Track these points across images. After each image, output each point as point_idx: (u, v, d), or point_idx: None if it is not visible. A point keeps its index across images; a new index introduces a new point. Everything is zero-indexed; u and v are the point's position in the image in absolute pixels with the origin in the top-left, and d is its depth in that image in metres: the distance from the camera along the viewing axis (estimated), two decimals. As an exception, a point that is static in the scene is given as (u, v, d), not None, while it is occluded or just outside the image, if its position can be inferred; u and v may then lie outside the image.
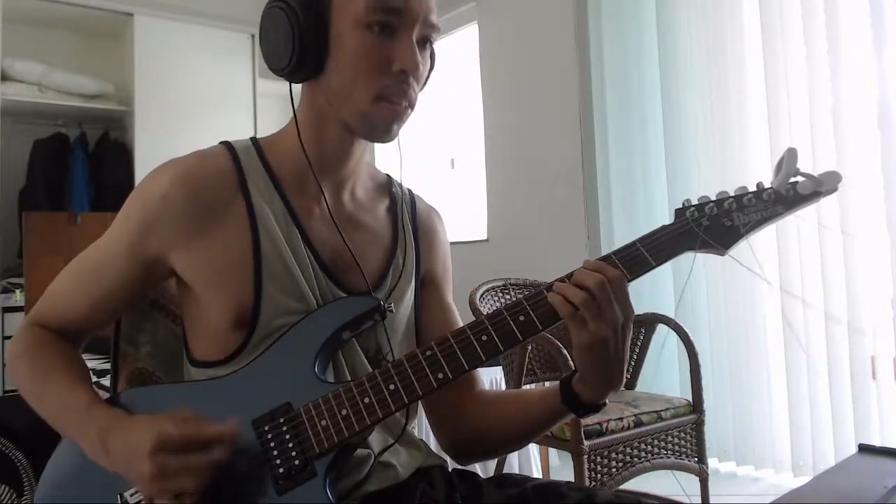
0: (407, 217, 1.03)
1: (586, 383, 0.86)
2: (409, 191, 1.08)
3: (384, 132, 0.88)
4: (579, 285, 0.79)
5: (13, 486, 1.74)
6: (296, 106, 0.94)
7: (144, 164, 3.94)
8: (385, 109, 0.86)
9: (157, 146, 3.94)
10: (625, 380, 0.85)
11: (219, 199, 0.88)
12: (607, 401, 0.89)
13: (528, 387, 2.12)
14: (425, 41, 0.88)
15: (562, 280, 0.82)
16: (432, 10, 0.87)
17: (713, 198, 0.85)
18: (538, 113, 3.59)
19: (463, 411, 1.00)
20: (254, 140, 0.96)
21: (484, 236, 3.89)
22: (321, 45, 0.84)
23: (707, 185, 2.86)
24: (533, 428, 0.97)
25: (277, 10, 0.85)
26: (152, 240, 0.88)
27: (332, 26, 0.84)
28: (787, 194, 0.82)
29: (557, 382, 0.91)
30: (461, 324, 1.01)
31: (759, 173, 2.69)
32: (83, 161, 4.05)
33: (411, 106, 0.88)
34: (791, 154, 0.81)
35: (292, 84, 0.90)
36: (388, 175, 1.07)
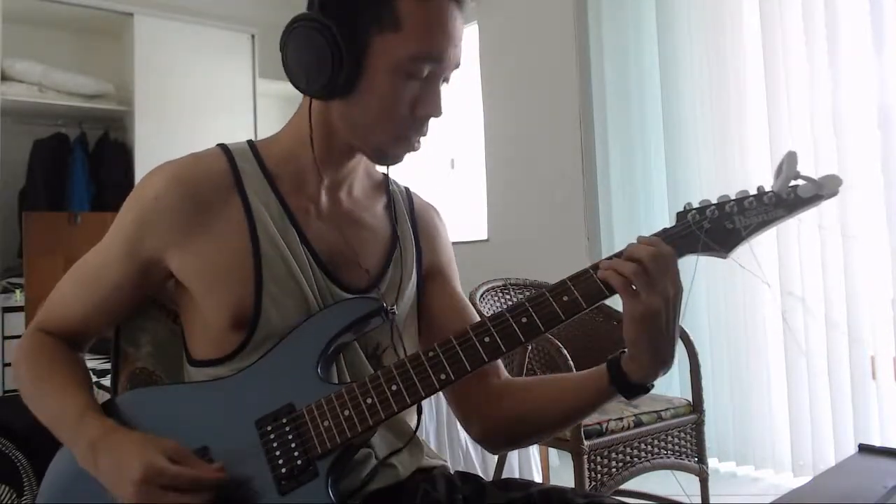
0: (405, 214, 1.03)
1: (637, 361, 0.84)
2: (407, 188, 1.08)
3: (394, 162, 0.92)
4: (631, 258, 0.80)
5: (13, 486, 1.74)
6: (299, 111, 0.94)
7: (144, 164, 3.93)
8: (402, 147, 0.89)
9: (157, 146, 3.93)
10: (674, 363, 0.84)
11: (214, 200, 0.89)
12: (650, 385, 0.87)
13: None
14: (447, 79, 0.90)
15: (609, 259, 0.82)
16: (461, 53, 0.88)
17: (714, 201, 0.85)
18: (538, 113, 3.59)
19: (495, 400, 0.98)
20: (250, 142, 0.97)
21: (484, 236, 3.90)
22: (355, 75, 0.84)
23: (707, 184, 2.86)
24: (576, 411, 0.95)
25: (316, 31, 0.83)
26: (147, 241, 0.88)
27: (368, 60, 0.84)
28: (788, 197, 0.82)
29: (602, 365, 0.90)
30: (473, 311, 1.03)
31: (759, 174, 2.69)
32: (83, 161, 4.05)
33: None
34: (791, 157, 0.81)
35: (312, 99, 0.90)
36: (385, 174, 1.07)
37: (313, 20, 0.83)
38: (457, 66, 0.88)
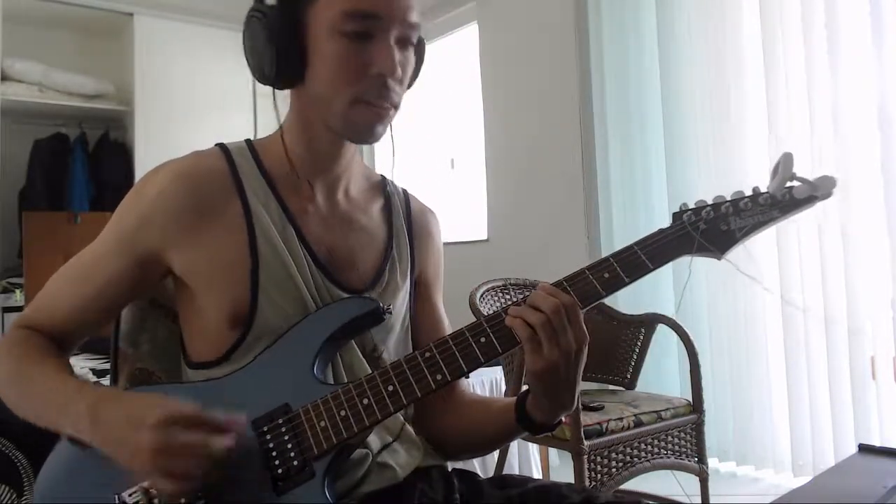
0: (402, 216, 1.03)
1: (539, 406, 0.87)
2: (404, 190, 1.08)
3: (367, 134, 0.88)
4: (536, 308, 0.79)
5: (13, 486, 1.74)
6: (285, 110, 0.94)
7: (144, 164, 3.94)
8: (364, 112, 0.86)
9: (157, 146, 3.94)
10: (576, 404, 0.86)
11: (214, 198, 0.89)
12: (562, 419, 0.89)
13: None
14: (406, 41, 0.87)
15: (517, 304, 0.82)
16: (411, 9, 0.85)
17: (710, 202, 0.85)
18: (538, 113, 3.59)
19: (441, 410, 1.00)
20: (248, 142, 0.97)
21: (484, 236, 3.89)
22: (299, 53, 0.85)
23: (707, 185, 2.86)
24: (496, 438, 0.99)
25: (254, 20, 0.85)
26: (147, 236, 0.88)
27: (309, 34, 0.84)
28: (783, 199, 0.82)
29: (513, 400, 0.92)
30: (447, 328, 1.02)
31: (758, 174, 2.69)
32: (83, 161, 4.06)
33: (394, 107, 0.88)
34: (787, 159, 0.81)
35: (276, 90, 0.90)
36: (382, 175, 1.07)
37: (254, 10, 0.85)
38: (405, 21, 0.84)
